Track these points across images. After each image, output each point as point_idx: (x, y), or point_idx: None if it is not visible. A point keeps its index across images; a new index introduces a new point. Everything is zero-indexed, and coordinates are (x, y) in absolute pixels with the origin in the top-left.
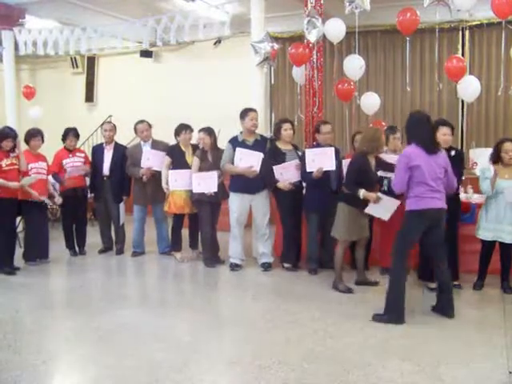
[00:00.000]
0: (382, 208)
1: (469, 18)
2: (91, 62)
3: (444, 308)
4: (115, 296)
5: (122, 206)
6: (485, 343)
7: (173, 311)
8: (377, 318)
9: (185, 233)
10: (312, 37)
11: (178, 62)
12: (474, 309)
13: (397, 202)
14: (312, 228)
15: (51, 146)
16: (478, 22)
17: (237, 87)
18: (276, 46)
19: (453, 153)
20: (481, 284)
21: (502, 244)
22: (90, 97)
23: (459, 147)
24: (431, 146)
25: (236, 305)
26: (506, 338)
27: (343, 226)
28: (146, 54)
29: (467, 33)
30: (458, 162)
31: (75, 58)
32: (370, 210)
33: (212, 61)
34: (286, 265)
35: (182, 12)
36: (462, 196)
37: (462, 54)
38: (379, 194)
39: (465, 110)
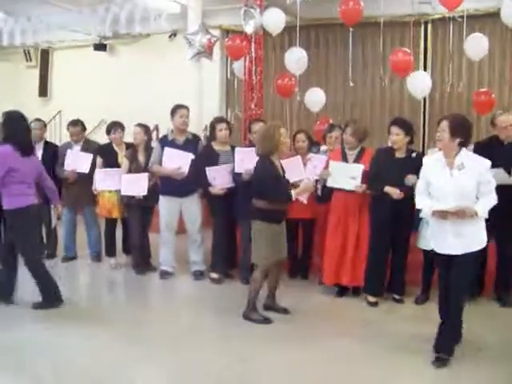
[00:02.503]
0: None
1: (431, 11)
2: (45, 55)
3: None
4: (24, 307)
5: (52, 207)
6: (412, 371)
7: (77, 326)
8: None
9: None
10: (249, 28)
11: (133, 55)
12: (410, 328)
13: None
14: (245, 234)
15: None
16: (441, 16)
17: (192, 82)
18: (214, 39)
19: (414, 155)
20: (424, 298)
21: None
22: (43, 91)
23: (421, 148)
24: (26, 148)
25: (152, 320)
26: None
27: (264, 249)
28: (99, 47)
29: (430, 27)
30: (415, 166)
31: (29, 51)
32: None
33: (167, 54)
34: (212, 275)
35: (131, 1)
36: None
37: (425, 49)
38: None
39: (427, 107)
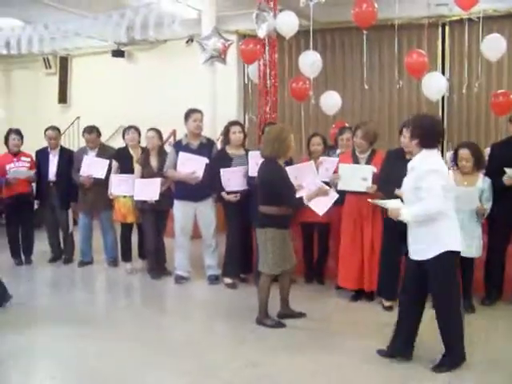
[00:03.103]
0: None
1: (448, 12)
2: (64, 62)
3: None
4: (34, 312)
5: (69, 212)
6: (428, 375)
7: (92, 329)
8: None
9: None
10: (262, 32)
11: (151, 61)
12: (426, 332)
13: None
14: None
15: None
16: (458, 17)
17: (208, 87)
18: (228, 43)
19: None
20: None
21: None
22: (62, 98)
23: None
24: None
25: (166, 324)
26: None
27: (276, 257)
28: (117, 53)
29: (447, 28)
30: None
31: (48, 59)
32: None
33: (184, 60)
34: (226, 280)
35: (147, 7)
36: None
37: (443, 51)
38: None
39: (445, 109)
